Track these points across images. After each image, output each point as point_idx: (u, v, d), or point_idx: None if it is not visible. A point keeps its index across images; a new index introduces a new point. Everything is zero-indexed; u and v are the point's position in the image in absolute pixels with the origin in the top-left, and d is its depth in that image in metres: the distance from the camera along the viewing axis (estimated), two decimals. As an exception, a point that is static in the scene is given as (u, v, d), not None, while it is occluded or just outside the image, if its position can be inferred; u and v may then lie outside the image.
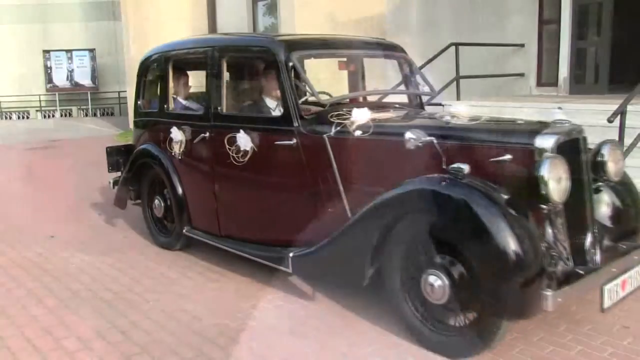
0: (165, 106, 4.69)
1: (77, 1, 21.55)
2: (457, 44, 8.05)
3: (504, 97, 8.12)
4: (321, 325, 3.39)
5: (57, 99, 21.09)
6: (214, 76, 4.16)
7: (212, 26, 14.69)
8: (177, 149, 4.47)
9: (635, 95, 5.46)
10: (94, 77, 21.31)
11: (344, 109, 3.71)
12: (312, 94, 3.87)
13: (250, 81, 4.80)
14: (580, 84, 8.43)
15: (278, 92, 3.95)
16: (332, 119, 3.60)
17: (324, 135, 3.54)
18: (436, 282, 2.87)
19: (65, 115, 21.24)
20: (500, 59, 9.10)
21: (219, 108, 4.14)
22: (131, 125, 14.78)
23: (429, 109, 4.58)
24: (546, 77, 8.87)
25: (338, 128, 3.52)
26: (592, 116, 5.57)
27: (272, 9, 13.19)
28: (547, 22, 8.84)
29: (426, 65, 6.19)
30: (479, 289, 2.77)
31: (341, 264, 3.33)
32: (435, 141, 3.04)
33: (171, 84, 4.71)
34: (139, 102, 5.18)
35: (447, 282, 2.85)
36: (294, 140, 3.64)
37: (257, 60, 4.51)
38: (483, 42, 8.72)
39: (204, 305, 3.72)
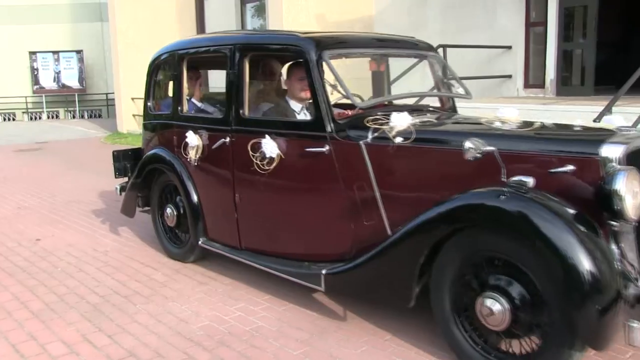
0: (179, 108, 4.42)
1: (64, 2, 21.36)
2: (444, 46, 8.08)
3: (492, 99, 8.16)
4: (310, 327, 3.38)
5: (43, 100, 20.88)
6: (235, 76, 3.86)
7: (200, 28, 14.65)
8: (192, 155, 4.16)
9: (621, 97, 5.51)
10: (81, 79, 21.12)
11: (379, 113, 3.42)
12: (346, 96, 3.57)
13: (273, 82, 4.49)
14: (567, 86, 8.50)
15: (303, 94, 3.79)
16: (368, 124, 3.31)
17: (361, 142, 3.25)
18: (494, 306, 2.60)
19: (52, 117, 21.04)
20: (488, 60, 9.16)
21: (240, 111, 3.84)
22: (119, 127, 14.87)
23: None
24: (533, 79, 8.95)
25: (375, 134, 3.24)
26: (579, 117, 5.60)
27: (260, 10, 13.18)
28: (534, 24, 8.92)
29: (413, 67, 6.19)
30: (546, 315, 2.50)
31: (384, 283, 3.06)
32: (496, 151, 2.76)
33: (185, 84, 4.46)
34: (148, 104, 4.88)
35: (507, 306, 2.58)
36: (327, 147, 3.34)
37: (283, 59, 4.32)
38: (471, 44, 8.77)
39: (191, 308, 3.69)
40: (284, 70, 4.25)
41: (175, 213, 4.53)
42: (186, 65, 4.42)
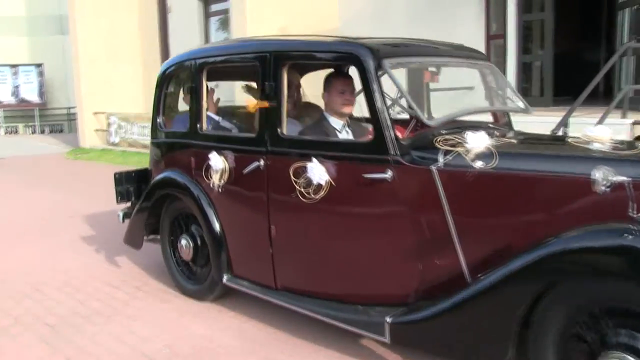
0: (198, 125, 3.84)
1: (23, 15, 20.91)
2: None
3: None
4: (273, 342, 3.33)
5: (1, 115, 20.36)
6: (272, 89, 3.32)
7: (163, 41, 14.53)
8: (216, 180, 3.60)
9: (577, 108, 5.66)
10: (41, 93, 20.66)
11: (444, 131, 2.99)
12: (413, 113, 3.06)
13: (294, 95, 4.02)
14: (526, 97, 8.65)
15: (345, 109, 3.38)
16: (437, 144, 2.86)
17: (432, 167, 2.77)
18: None
19: (11, 133, 20.47)
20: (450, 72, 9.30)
21: (278, 130, 3.30)
22: (81, 143, 14.58)
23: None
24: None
25: (448, 157, 2.78)
26: (538, 127, 5.72)
27: (225, 23, 13.15)
28: (494, 37, 9.12)
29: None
30: None
31: (471, 338, 2.58)
32: (630, 182, 2.36)
33: (205, 98, 3.88)
34: (158, 120, 4.32)
35: None
36: (389, 173, 2.84)
37: (328, 69, 3.89)
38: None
39: (154, 326, 3.60)
40: (300, 78, 3.86)
41: (191, 245, 3.97)
42: (206, 76, 3.87)
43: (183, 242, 4.01)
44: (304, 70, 4.11)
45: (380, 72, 2.96)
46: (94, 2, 14.11)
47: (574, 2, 10.01)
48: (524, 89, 8.73)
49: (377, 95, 2.91)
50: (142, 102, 14.59)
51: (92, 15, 14.11)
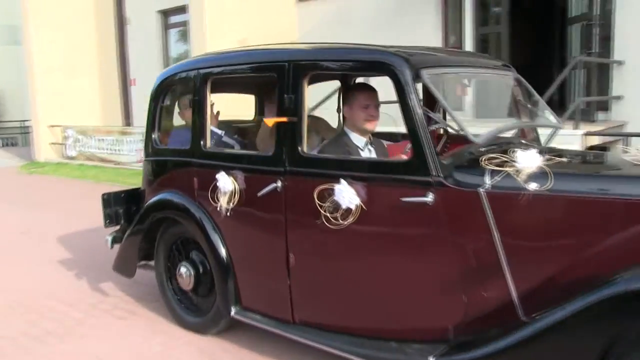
0: (202, 142, 3.50)
1: (-26, 25, 20.37)
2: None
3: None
4: (232, 358, 3.28)
5: (-49, 128, 19.70)
6: (292, 102, 3.02)
7: (122, 52, 14.30)
8: (224, 202, 3.26)
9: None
10: (-7, 106, 20.10)
11: (483, 149, 2.76)
12: (459, 129, 2.75)
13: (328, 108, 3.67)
14: (485, 108, 8.87)
15: (368, 125, 3.12)
16: (483, 164, 2.62)
17: (480, 190, 2.52)
18: None
19: (-39, 147, 19.83)
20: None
21: (299, 148, 2.99)
22: (36, 156, 14.17)
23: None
24: (453, 102, 9.28)
25: (496, 178, 2.53)
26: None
27: (184, 36, 13.04)
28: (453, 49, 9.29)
29: (333, 94, 6.24)
30: None
31: None
32: None
33: (209, 112, 3.55)
34: (153, 136, 3.94)
35: None
36: (431, 196, 2.57)
37: (356, 79, 3.62)
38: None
39: (110, 345, 3.50)
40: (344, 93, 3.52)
41: (192, 273, 3.62)
42: (210, 88, 3.53)
43: (182, 270, 3.64)
44: (312, 80, 3.84)
45: (418, 84, 2.70)
46: (49, 12, 13.77)
47: (528, 16, 10.32)
48: (482, 100, 8.90)
49: (416, 110, 2.63)
50: (99, 114, 14.31)
51: (46, 26, 13.78)
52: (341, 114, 4.03)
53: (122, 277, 3.93)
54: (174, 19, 13.38)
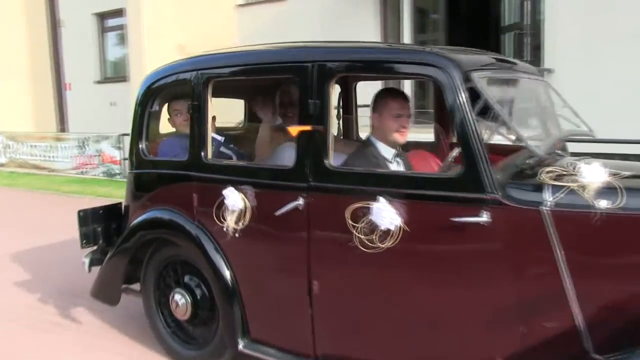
0: (203, 153, 3.08)
1: None
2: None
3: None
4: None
5: None
6: (317, 108, 2.65)
7: (55, 55, 13.78)
8: (232, 222, 2.88)
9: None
10: None
11: (535, 161, 2.51)
12: (519, 138, 2.50)
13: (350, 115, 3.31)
14: (423, 115, 9.04)
15: (398, 136, 2.83)
16: (543, 178, 2.36)
17: (542, 208, 2.25)
18: None
19: None
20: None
21: (325, 161, 2.64)
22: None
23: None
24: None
25: (559, 195, 2.28)
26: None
27: (123, 39, 12.72)
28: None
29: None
30: None
31: None
32: None
33: (209, 119, 3.12)
34: (140, 146, 3.47)
35: None
36: (486, 216, 2.29)
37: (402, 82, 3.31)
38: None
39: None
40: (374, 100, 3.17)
41: (189, 300, 3.22)
42: (212, 92, 3.12)
43: (177, 297, 3.24)
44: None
45: (469, 88, 2.41)
46: (-24, 13, 13.20)
47: (464, 23, 10.60)
48: (420, 106, 9.07)
49: (468, 117, 2.34)
50: (31, 120, 13.75)
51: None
52: (341, 122, 3.96)
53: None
54: (111, 22, 13.05)
